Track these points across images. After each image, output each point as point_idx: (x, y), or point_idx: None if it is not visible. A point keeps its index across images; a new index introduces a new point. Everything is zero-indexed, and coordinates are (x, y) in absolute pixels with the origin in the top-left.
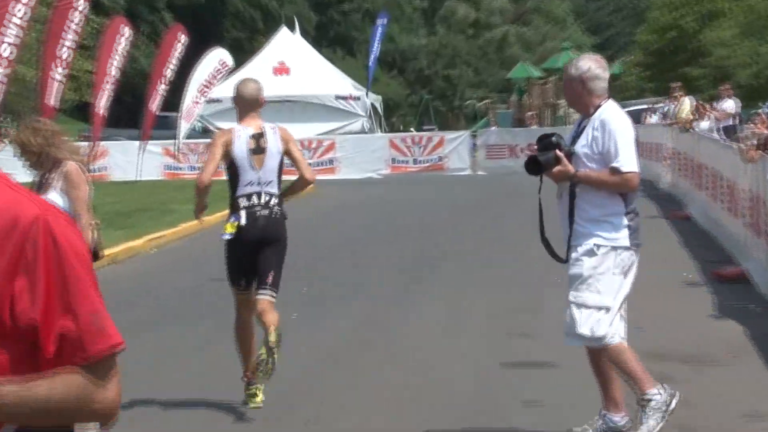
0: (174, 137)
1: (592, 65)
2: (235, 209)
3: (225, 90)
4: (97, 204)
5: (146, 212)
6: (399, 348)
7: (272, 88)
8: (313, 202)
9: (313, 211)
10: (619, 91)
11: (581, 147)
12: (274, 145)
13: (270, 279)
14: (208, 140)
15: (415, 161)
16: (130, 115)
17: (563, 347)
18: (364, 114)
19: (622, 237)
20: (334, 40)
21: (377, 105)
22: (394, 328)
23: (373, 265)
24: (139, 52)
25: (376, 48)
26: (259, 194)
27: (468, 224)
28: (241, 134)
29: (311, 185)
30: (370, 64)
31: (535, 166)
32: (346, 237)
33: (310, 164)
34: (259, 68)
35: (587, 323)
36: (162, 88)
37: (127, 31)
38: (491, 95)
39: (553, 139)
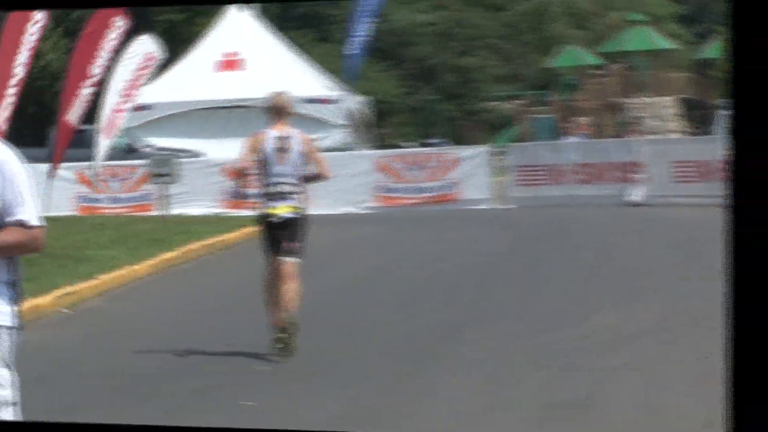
0: (89, 158)
1: None
2: (266, 196)
3: (156, 93)
4: None
5: (55, 260)
6: None
7: (218, 87)
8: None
9: None
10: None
11: None
12: (296, 146)
13: (291, 247)
14: (136, 162)
15: (414, 189)
16: (33, 129)
17: None
18: (344, 123)
19: (4, 314)
20: (303, 20)
21: (364, 110)
22: (393, 426)
23: (364, 337)
24: (46, 45)
25: (362, 29)
26: (281, 184)
27: (492, 281)
28: (269, 136)
29: (326, 179)
30: (354, 52)
31: None
32: (320, 301)
33: (257, 195)
34: (200, 62)
35: None
36: (86, 93)
37: (39, 16)
38: (525, 93)
39: None
